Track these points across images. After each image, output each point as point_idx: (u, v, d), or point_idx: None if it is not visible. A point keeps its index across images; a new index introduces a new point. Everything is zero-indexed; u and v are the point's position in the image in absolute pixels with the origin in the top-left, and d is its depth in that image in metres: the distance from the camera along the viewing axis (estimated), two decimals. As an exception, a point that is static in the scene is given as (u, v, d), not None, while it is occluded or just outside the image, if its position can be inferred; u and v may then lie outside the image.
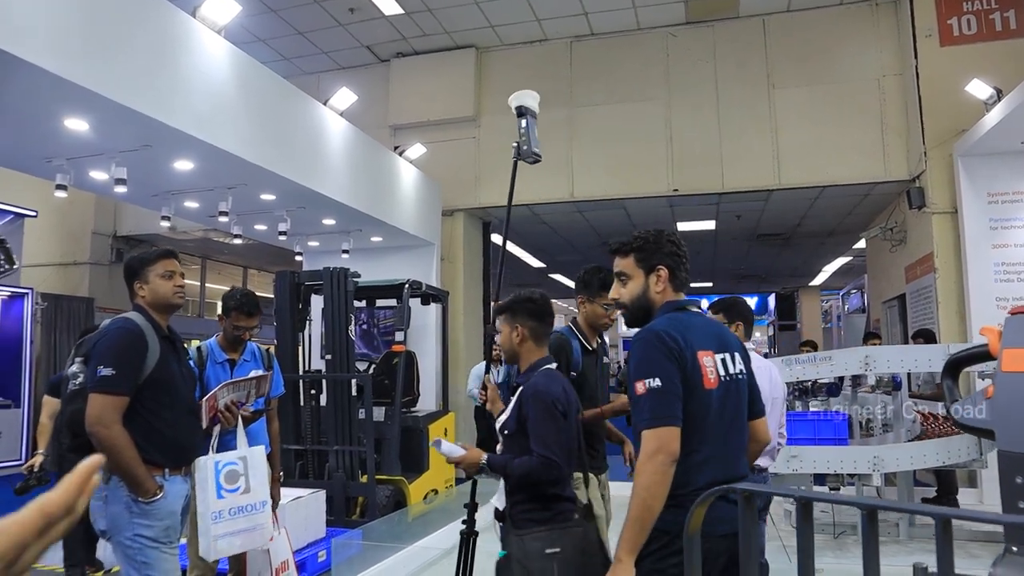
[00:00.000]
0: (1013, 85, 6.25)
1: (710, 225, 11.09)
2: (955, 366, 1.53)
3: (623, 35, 9.20)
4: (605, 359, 3.43)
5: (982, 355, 1.48)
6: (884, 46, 8.31)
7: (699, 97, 8.82)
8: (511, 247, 12.59)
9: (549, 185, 9.19)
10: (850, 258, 14.21)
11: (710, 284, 18.56)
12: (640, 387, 1.98)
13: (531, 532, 2.47)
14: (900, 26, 8.18)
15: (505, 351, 2.80)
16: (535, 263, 14.57)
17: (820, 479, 5.27)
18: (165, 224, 7.06)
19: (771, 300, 21.30)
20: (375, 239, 8.59)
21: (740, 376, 2.18)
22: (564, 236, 11.91)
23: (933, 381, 6.26)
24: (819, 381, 5.97)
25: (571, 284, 18.49)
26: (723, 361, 2.14)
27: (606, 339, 3.66)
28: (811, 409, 5.76)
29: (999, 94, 6.71)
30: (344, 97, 7.19)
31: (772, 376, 3.65)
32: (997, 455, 1.34)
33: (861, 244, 11.63)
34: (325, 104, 6.99)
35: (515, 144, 3.25)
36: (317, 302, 6.26)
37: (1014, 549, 1.29)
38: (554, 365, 2.76)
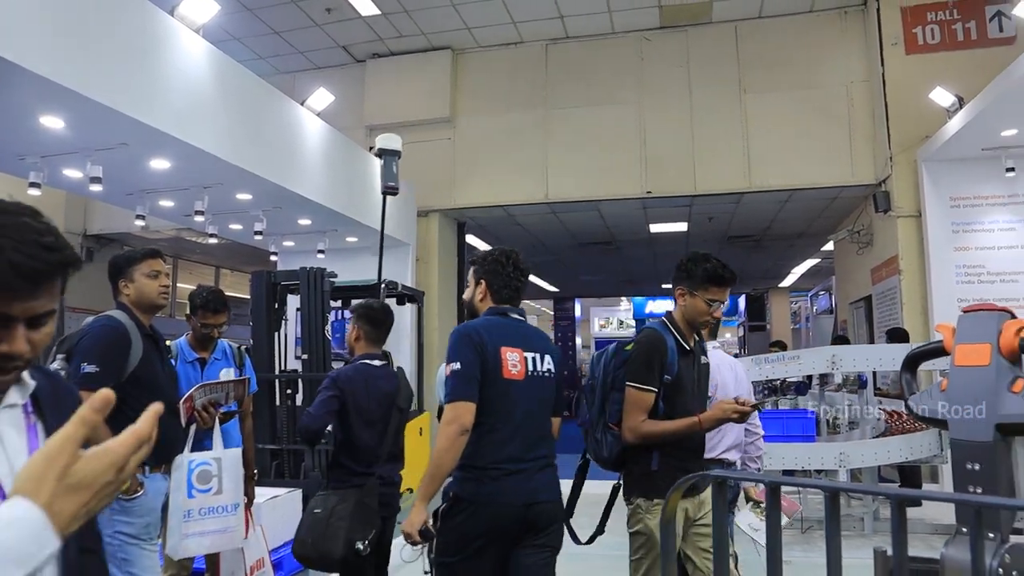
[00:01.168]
0: (974, 93, 6.46)
1: (682, 227, 11.24)
2: (913, 361, 1.62)
3: (598, 39, 9.31)
4: (704, 359, 3.01)
5: (937, 351, 1.57)
6: (852, 53, 8.51)
7: (672, 101, 8.95)
8: (486, 248, 12.64)
9: (524, 187, 9.29)
10: (818, 260, 14.47)
11: (682, 286, 18.76)
12: (446, 369, 2.49)
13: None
14: (867, 34, 8.38)
15: (346, 343, 3.51)
16: (509, 264, 14.64)
17: (789, 475, 5.39)
18: (139, 223, 7.02)
19: (742, 301, 21.59)
20: (351, 239, 8.60)
21: (547, 374, 2.67)
22: (539, 237, 12.00)
23: (899, 380, 6.42)
24: (787, 380, 6.11)
25: (546, 286, 18.61)
26: (531, 359, 2.63)
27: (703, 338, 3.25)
28: (780, 407, 5.89)
29: (960, 102, 6.92)
30: (321, 97, 7.21)
31: (738, 374, 3.75)
32: (950, 444, 1.44)
33: (829, 246, 11.87)
34: (302, 104, 7.00)
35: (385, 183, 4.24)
36: (293, 302, 6.27)
37: (964, 530, 1.39)
38: (377, 362, 3.36)
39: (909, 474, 6.22)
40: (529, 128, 9.30)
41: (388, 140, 4.14)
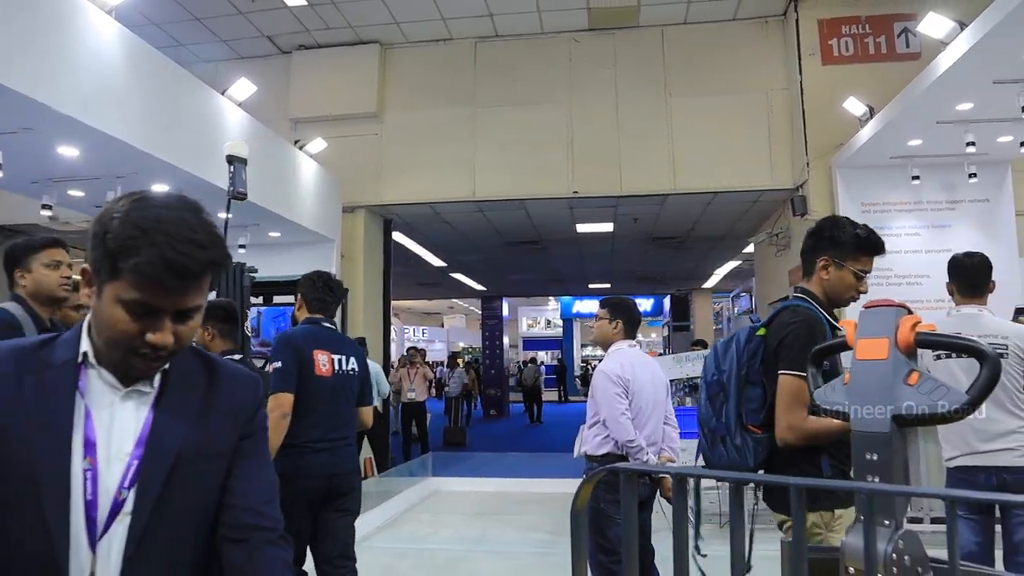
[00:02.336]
0: (884, 104, 6.74)
1: (608, 227, 11.39)
2: (818, 356, 1.67)
3: (527, 38, 9.34)
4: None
5: (841, 346, 1.62)
6: (773, 61, 8.77)
7: (600, 102, 9.06)
8: (412, 245, 12.54)
9: (451, 184, 9.24)
10: (739, 262, 14.88)
11: (608, 285, 19.02)
12: (270, 367, 3.15)
13: None
14: (787, 44, 8.65)
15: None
16: (436, 262, 14.57)
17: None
18: (46, 213, 6.68)
19: (666, 302, 22.03)
20: (273, 234, 8.39)
21: (351, 372, 3.37)
22: (466, 235, 11.97)
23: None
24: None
25: (473, 284, 18.60)
26: (338, 360, 3.31)
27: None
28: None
29: (871, 111, 7.20)
30: (243, 87, 7.00)
31: (654, 373, 3.80)
32: (851, 435, 1.48)
33: (750, 248, 12.21)
34: (223, 94, 6.79)
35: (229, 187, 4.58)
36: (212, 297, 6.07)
37: (862, 518, 1.43)
38: (237, 357, 3.51)
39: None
40: (457, 125, 9.25)
41: (236, 147, 4.57)
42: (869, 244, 2.43)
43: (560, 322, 32.27)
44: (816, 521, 2.25)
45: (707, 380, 2.49)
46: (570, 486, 4.81)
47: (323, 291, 3.36)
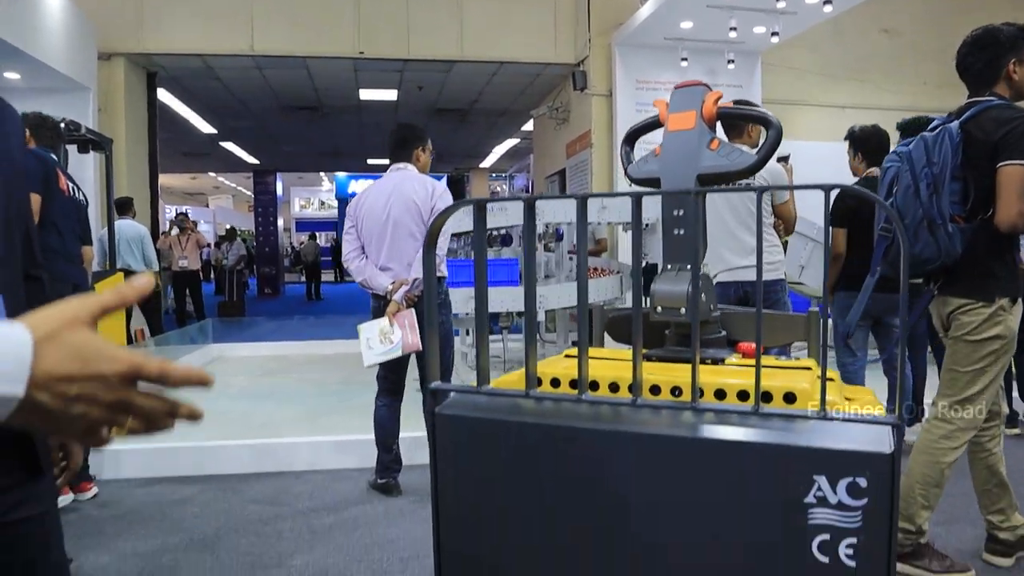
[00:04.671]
0: (663, -17, 7.17)
1: (392, 95, 11.19)
2: (632, 136, 1.88)
3: None
4: None
5: (654, 124, 1.84)
6: (559, -67, 8.89)
7: (388, -42, 8.70)
8: (179, 106, 11.52)
9: (226, 35, 8.51)
10: (517, 140, 15.35)
11: (387, 161, 18.77)
12: None
13: None
14: (574, -84, 8.79)
15: None
16: (206, 127, 13.52)
17: (494, 318, 5.89)
18: None
19: (443, 182, 22.25)
20: (10, 75, 7.31)
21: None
22: (240, 97, 11.19)
23: (593, 238, 7.24)
24: (494, 233, 6.55)
25: (245, 156, 17.51)
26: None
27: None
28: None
29: (651, -9, 7.63)
30: None
31: (395, 192, 3.75)
32: (661, 198, 1.70)
33: (529, 127, 12.63)
34: None
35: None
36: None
37: (669, 267, 1.67)
38: None
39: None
40: (233, -32, 8.47)
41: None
42: None
43: (335, 203, 31.48)
44: (1005, 305, 2.60)
45: (915, 172, 2.61)
46: (357, 347, 5.01)
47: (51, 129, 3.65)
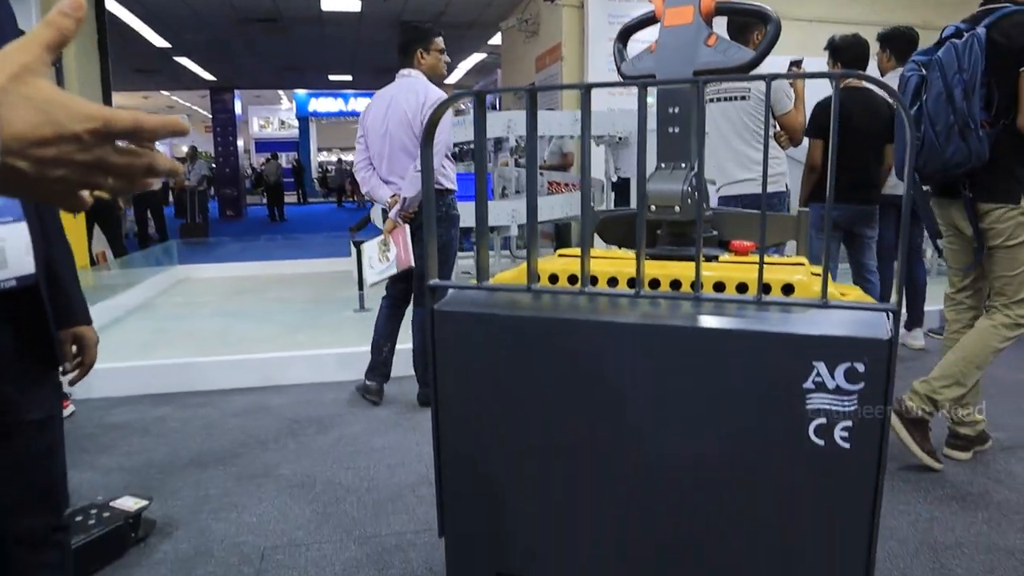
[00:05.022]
0: None
1: (356, 5, 10.78)
2: (626, 33, 1.84)
3: None
4: None
5: (649, 20, 1.79)
6: None
7: None
8: (129, 18, 10.98)
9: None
10: (485, 55, 14.97)
11: (350, 77, 18.26)
12: None
13: None
14: None
15: None
16: (159, 41, 12.93)
17: (467, 233, 5.87)
18: None
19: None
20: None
21: None
22: (196, 9, 10.69)
23: (560, 152, 7.20)
24: (466, 147, 6.46)
25: (201, 72, 16.87)
26: None
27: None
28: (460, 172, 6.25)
29: None
30: None
31: (394, 99, 3.64)
32: (656, 95, 1.68)
33: (496, 40, 12.30)
34: None
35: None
36: None
37: (663, 165, 1.66)
38: None
39: (562, 230, 7.15)
40: None
41: None
42: None
43: (295, 122, 30.65)
44: None
45: (947, 78, 2.64)
46: (329, 265, 4.87)
47: None
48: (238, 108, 21.05)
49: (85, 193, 0.65)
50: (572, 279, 1.60)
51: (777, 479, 1.35)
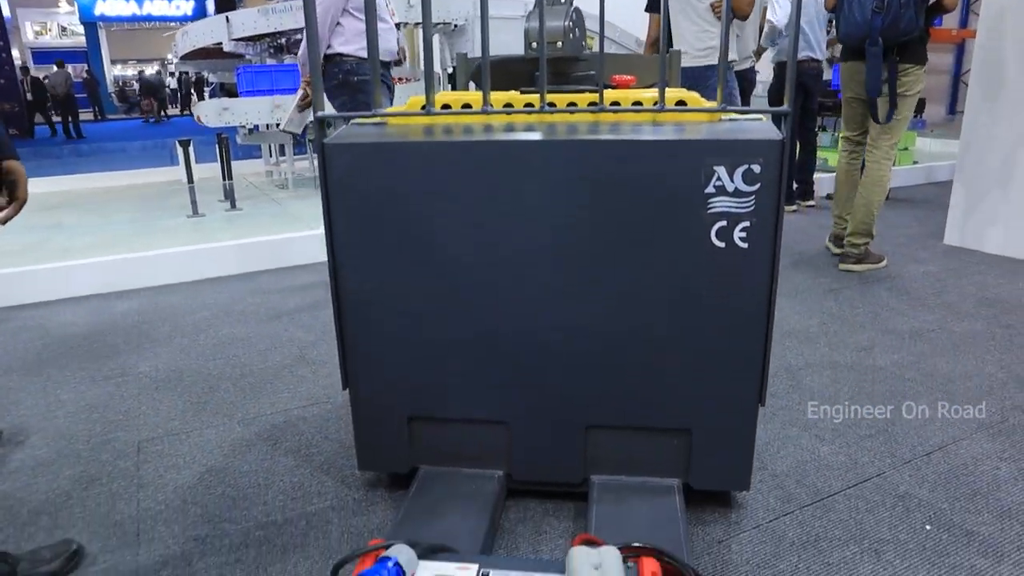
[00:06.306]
0: None
1: None
2: None
3: None
4: None
5: None
6: None
7: None
8: None
9: None
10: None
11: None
12: None
13: None
14: None
15: None
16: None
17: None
18: None
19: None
20: None
21: None
22: None
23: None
24: (293, 38, 6.10)
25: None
26: None
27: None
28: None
29: None
30: None
31: None
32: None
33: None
34: None
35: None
36: None
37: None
38: None
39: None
40: None
41: None
42: None
43: (80, 28, 27.32)
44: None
45: None
46: (152, 176, 4.44)
47: None
48: (5, 9, 18.42)
49: None
50: (465, 107, 1.57)
51: (682, 284, 1.44)
